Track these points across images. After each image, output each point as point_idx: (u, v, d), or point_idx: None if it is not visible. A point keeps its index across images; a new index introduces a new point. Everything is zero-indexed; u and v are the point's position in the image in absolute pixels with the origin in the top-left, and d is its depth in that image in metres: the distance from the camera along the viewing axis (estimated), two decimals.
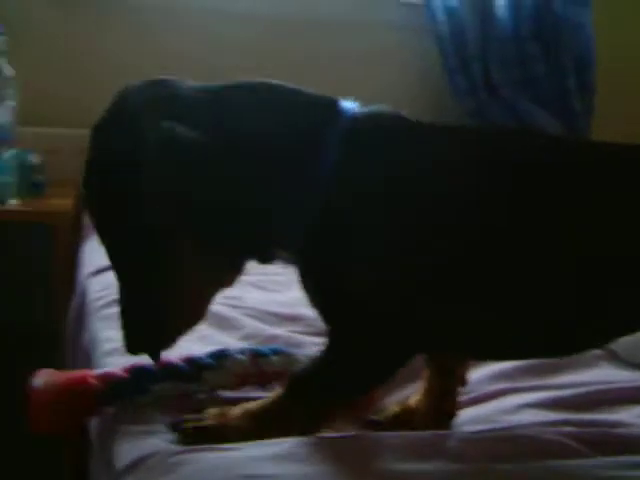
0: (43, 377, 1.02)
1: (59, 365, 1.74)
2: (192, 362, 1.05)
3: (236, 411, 0.93)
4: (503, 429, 0.99)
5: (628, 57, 2.83)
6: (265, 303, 1.44)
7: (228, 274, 0.96)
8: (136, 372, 1.02)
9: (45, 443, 1.67)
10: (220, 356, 1.08)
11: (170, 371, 1.03)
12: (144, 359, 0.99)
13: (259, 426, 0.91)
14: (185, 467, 0.82)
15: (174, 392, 1.02)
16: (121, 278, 0.94)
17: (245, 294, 1.45)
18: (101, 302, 1.44)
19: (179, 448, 0.86)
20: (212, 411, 0.94)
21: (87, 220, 2.07)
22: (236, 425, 0.91)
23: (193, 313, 0.96)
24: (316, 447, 0.85)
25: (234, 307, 1.39)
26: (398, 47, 2.72)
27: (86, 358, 1.33)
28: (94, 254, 1.75)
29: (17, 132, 2.09)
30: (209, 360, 1.07)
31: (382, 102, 2.62)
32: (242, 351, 1.11)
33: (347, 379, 0.94)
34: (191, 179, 0.88)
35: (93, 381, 1.00)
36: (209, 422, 0.92)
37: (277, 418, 0.92)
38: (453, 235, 0.90)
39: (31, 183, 2.08)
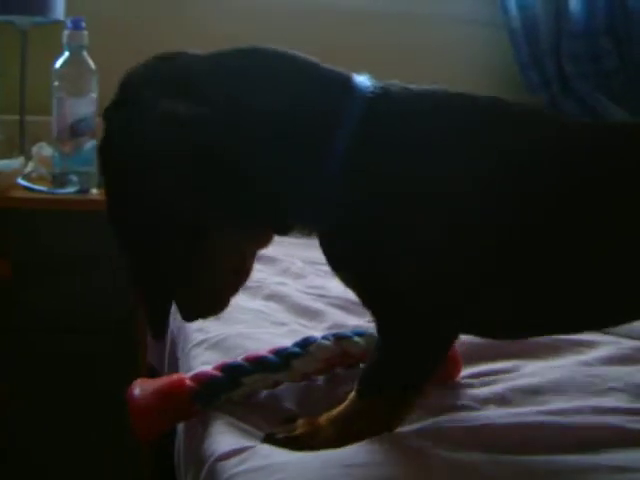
0: (141, 385, 1.03)
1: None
2: (279, 353, 1.07)
3: (322, 419, 0.94)
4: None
5: None
6: (349, 292, 1.47)
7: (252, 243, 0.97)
8: (227, 368, 1.04)
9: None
10: (305, 344, 1.09)
11: (260, 363, 1.04)
12: (232, 356, 1.06)
13: (344, 431, 0.91)
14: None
15: (266, 383, 1.04)
16: (146, 257, 0.91)
17: (328, 283, 1.47)
18: None
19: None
20: (301, 421, 0.95)
21: None
22: (323, 433, 0.92)
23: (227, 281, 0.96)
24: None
25: (319, 297, 1.42)
26: (471, 41, 2.73)
27: (174, 348, 1.37)
28: None
29: (98, 123, 2.15)
30: (296, 349, 1.08)
31: None
32: (326, 337, 1.13)
33: (412, 365, 0.94)
34: (203, 156, 0.86)
35: (189, 383, 1.02)
36: (299, 432, 0.93)
37: (360, 420, 0.92)
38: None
39: None
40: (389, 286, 0.90)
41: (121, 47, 2.40)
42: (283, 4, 2.58)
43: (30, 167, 2.16)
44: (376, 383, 0.94)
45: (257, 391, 1.04)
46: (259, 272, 1.52)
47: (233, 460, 0.88)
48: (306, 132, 0.90)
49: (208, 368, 1.05)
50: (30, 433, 1.98)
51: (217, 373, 1.03)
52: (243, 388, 1.02)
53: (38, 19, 2.24)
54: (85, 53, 2.09)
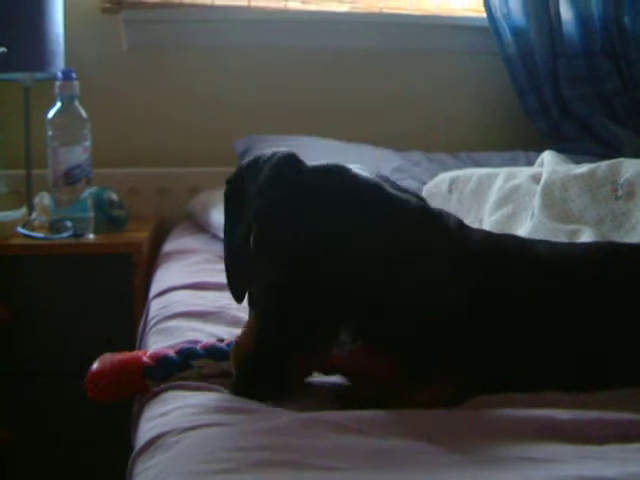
0: (104, 357, 1.16)
1: None
2: (231, 344, 1.14)
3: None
4: None
5: None
6: None
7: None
8: (182, 350, 1.14)
9: None
10: None
11: (213, 351, 1.14)
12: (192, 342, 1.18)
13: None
14: (181, 443, 0.86)
15: (213, 369, 1.12)
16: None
17: None
18: (156, 319, 1.50)
19: (184, 426, 0.91)
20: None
21: (162, 250, 2.17)
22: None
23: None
24: (313, 421, 0.89)
25: None
26: (467, 73, 2.75)
27: None
28: (160, 279, 1.84)
29: (97, 173, 2.21)
30: None
31: (457, 128, 2.69)
32: None
33: None
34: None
35: (145, 359, 1.13)
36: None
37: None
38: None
39: (111, 218, 2.19)
40: None
41: (114, 98, 2.48)
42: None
43: (33, 216, 2.21)
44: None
45: (207, 375, 1.12)
46: (225, 299, 1.54)
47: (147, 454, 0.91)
48: None
49: (169, 349, 1.16)
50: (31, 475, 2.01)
51: (172, 353, 1.14)
52: (192, 370, 1.12)
53: (40, 75, 2.31)
54: (77, 103, 2.15)
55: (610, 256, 1.23)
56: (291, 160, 1.09)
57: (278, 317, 1.04)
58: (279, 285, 1.05)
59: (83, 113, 2.15)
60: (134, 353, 1.19)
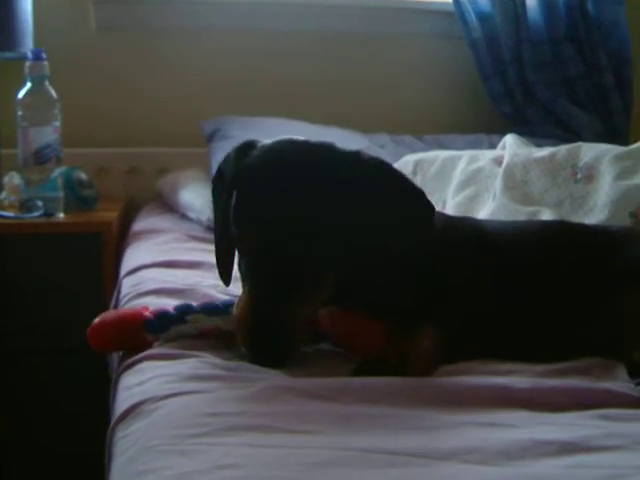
0: (109, 311, 1.27)
1: None
2: (227, 303, 1.22)
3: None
4: None
5: None
6: None
7: None
8: (180, 307, 1.22)
9: None
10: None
11: (206, 307, 1.22)
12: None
13: None
14: (160, 410, 0.90)
15: (207, 324, 1.19)
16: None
17: None
18: (129, 296, 1.53)
19: (161, 394, 0.95)
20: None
21: (131, 229, 2.20)
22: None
23: None
24: (285, 389, 0.94)
25: None
26: (433, 57, 2.79)
27: None
28: (131, 258, 1.87)
29: (67, 152, 2.23)
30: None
31: (423, 111, 2.72)
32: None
33: None
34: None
35: (146, 313, 1.20)
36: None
37: None
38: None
39: (80, 198, 2.20)
40: None
41: (84, 78, 2.50)
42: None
43: (3, 196, 2.23)
44: None
45: (201, 330, 1.19)
46: (195, 276, 1.58)
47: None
48: None
49: (169, 307, 1.23)
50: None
51: (171, 309, 1.22)
52: (187, 325, 1.19)
53: (9, 54, 2.32)
54: (47, 83, 2.16)
55: (563, 234, 1.30)
56: (251, 141, 1.20)
57: (267, 283, 1.11)
58: (260, 250, 1.11)
59: (53, 93, 2.17)
60: (136, 308, 1.28)
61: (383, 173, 1.20)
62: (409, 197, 1.20)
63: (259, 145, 1.19)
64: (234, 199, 1.15)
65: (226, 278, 1.26)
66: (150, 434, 0.86)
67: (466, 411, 0.95)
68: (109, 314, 1.23)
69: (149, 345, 1.19)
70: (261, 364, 1.09)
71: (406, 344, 1.10)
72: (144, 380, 1.04)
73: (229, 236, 1.17)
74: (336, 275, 1.14)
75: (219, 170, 1.24)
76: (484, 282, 1.21)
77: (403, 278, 1.18)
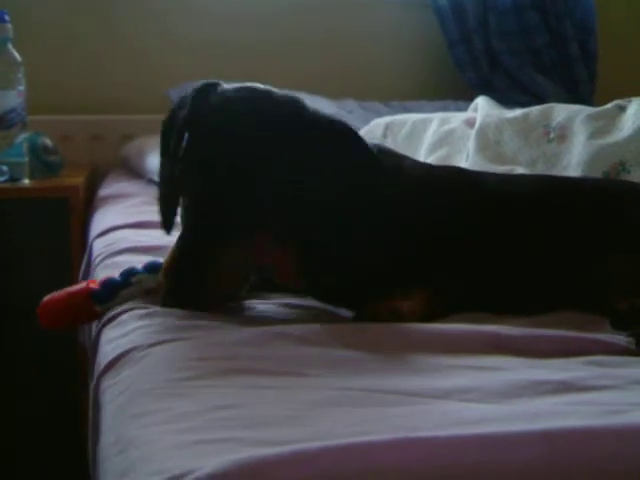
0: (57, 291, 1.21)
1: None
2: None
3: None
4: None
5: (629, 22, 2.87)
6: None
7: None
8: (124, 272, 1.20)
9: None
10: None
11: (150, 266, 1.19)
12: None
13: None
14: (148, 358, 0.89)
15: (152, 283, 1.16)
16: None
17: None
18: (102, 256, 1.51)
19: (149, 342, 0.94)
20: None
21: (98, 194, 2.17)
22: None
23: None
24: (275, 334, 0.93)
25: None
26: (399, 23, 2.78)
27: None
28: (100, 221, 1.84)
29: (30, 119, 2.19)
30: None
31: (389, 77, 2.71)
32: None
33: None
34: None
35: (93, 285, 1.19)
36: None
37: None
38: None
39: (45, 164, 2.17)
40: None
41: (48, 40, 2.45)
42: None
43: None
44: None
45: (148, 289, 1.16)
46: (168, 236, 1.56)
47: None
48: None
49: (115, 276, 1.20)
50: None
51: (116, 276, 1.19)
52: (132, 287, 1.17)
53: None
54: (10, 45, 2.11)
55: (555, 187, 1.30)
56: (212, 83, 1.17)
57: (201, 223, 1.09)
58: (200, 189, 1.09)
59: (17, 56, 2.12)
60: (83, 283, 1.24)
61: (333, 130, 1.16)
62: (344, 142, 1.16)
63: (219, 89, 1.15)
64: (185, 141, 1.13)
65: (168, 225, 1.21)
66: (142, 379, 0.84)
67: (457, 356, 0.95)
68: (57, 292, 1.20)
69: (99, 317, 1.16)
70: (172, 303, 1.07)
71: (397, 303, 1.09)
72: (128, 331, 1.02)
73: (173, 178, 1.14)
74: (278, 219, 1.11)
75: (172, 112, 1.19)
76: (480, 233, 1.20)
77: (373, 233, 1.15)
